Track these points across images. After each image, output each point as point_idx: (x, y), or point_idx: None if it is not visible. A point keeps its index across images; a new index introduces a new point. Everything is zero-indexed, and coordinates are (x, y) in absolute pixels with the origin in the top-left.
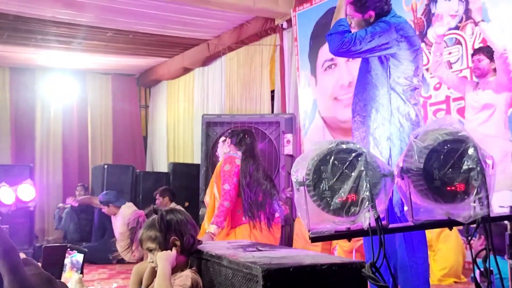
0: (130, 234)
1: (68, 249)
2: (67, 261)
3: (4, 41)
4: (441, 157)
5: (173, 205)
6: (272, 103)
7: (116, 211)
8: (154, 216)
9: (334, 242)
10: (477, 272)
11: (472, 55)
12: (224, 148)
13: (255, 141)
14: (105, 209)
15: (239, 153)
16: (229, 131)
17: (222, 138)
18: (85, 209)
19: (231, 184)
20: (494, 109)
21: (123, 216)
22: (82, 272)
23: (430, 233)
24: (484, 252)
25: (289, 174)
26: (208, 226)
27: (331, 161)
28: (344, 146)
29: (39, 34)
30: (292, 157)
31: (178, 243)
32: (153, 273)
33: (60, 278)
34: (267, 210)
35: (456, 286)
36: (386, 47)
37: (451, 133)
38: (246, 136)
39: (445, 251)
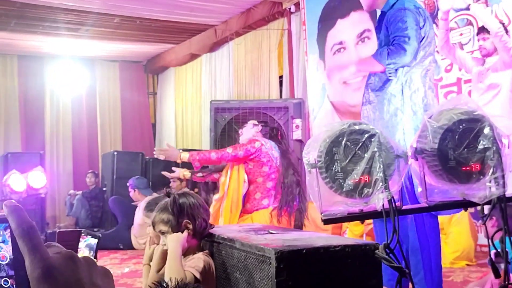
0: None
1: (82, 234)
2: (81, 245)
3: (12, 28)
4: (456, 137)
5: (186, 189)
6: (281, 89)
7: (140, 198)
8: (167, 199)
9: (344, 226)
10: (492, 252)
11: (477, 33)
12: (252, 132)
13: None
14: (131, 193)
15: (267, 142)
16: (262, 121)
17: (254, 122)
18: (96, 196)
19: (236, 153)
20: (499, 88)
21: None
22: (96, 257)
23: (442, 217)
24: (500, 233)
25: (298, 159)
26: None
27: (343, 142)
28: (356, 127)
29: (46, 21)
30: (301, 142)
31: (190, 226)
32: (165, 256)
33: None
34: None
35: (469, 268)
36: None
37: (467, 112)
38: (280, 135)
39: (457, 234)
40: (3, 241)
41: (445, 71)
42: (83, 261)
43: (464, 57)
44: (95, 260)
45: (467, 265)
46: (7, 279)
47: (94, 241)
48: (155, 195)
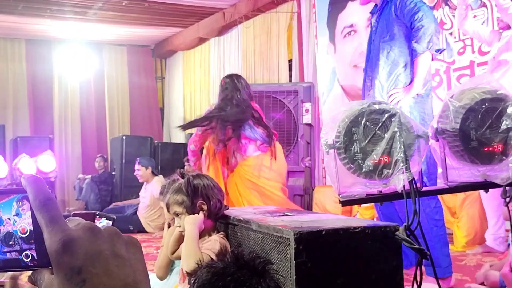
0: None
1: (97, 216)
2: None
3: (19, 12)
4: (479, 116)
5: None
6: (290, 73)
7: (150, 178)
8: (181, 180)
9: (355, 210)
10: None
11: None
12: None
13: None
14: (141, 171)
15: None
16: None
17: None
18: (105, 180)
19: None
20: (509, 65)
21: (154, 188)
22: None
23: (453, 200)
24: None
25: (308, 143)
26: None
27: (362, 122)
28: (376, 106)
29: (54, 5)
30: (310, 127)
31: (205, 207)
32: (180, 238)
33: None
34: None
35: (481, 252)
36: None
37: (489, 91)
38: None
39: (469, 218)
40: (17, 214)
41: (457, 54)
42: (105, 232)
43: (483, 32)
44: (118, 230)
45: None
46: (28, 252)
47: (108, 223)
48: (162, 178)
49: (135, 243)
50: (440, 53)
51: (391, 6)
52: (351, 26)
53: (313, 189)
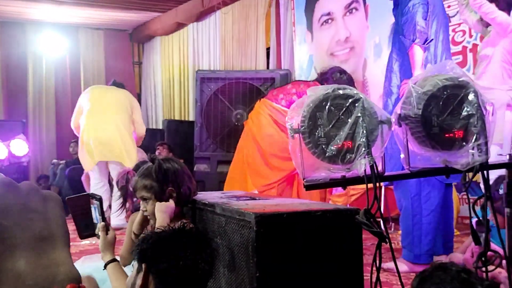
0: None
1: (90, 197)
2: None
3: None
4: (440, 103)
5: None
6: (268, 60)
7: None
8: (150, 164)
9: (327, 197)
10: (473, 220)
11: None
12: None
13: None
14: None
15: None
16: None
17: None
18: (80, 165)
19: None
20: (488, 59)
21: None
22: (104, 219)
23: None
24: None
25: None
26: None
27: (327, 107)
28: (341, 91)
29: None
30: None
31: (174, 194)
32: (144, 221)
33: (93, 229)
34: None
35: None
36: None
37: (451, 78)
38: None
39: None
40: None
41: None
42: (22, 187)
43: (476, 23)
44: (38, 187)
45: None
46: None
47: (96, 203)
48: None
49: (53, 198)
50: (427, 44)
51: None
52: (329, 14)
53: None
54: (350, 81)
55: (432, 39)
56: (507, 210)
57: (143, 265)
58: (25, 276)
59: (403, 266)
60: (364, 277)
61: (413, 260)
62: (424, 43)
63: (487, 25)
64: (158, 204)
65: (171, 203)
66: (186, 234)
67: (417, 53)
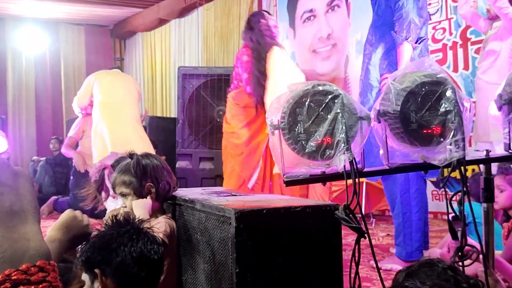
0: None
1: None
2: None
3: None
4: (419, 99)
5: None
6: None
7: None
8: (129, 160)
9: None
10: (450, 215)
11: None
12: None
13: None
14: None
15: None
16: None
17: None
18: (60, 162)
19: None
20: (496, 55)
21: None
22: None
23: None
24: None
25: None
26: None
27: (307, 103)
28: (320, 88)
29: None
30: None
31: (153, 190)
32: None
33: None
34: None
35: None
36: None
37: (430, 75)
38: None
39: None
40: None
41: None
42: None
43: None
44: (8, 162)
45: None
46: None
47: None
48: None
49: (24, 174)
50: (419, 43)
51: None
52: (311, 11)
53: None
54: None
55: (425, 38)
56: (484, 205)
57: (97, 272)
58: None
59: (396, 264)
60: (344, 273)
61: (405, 258)
62: (416, 42)
63: (494, 20)
64: (135, 201)
65: (148, 199)
66: (122, 224)
67: (406, 50)
